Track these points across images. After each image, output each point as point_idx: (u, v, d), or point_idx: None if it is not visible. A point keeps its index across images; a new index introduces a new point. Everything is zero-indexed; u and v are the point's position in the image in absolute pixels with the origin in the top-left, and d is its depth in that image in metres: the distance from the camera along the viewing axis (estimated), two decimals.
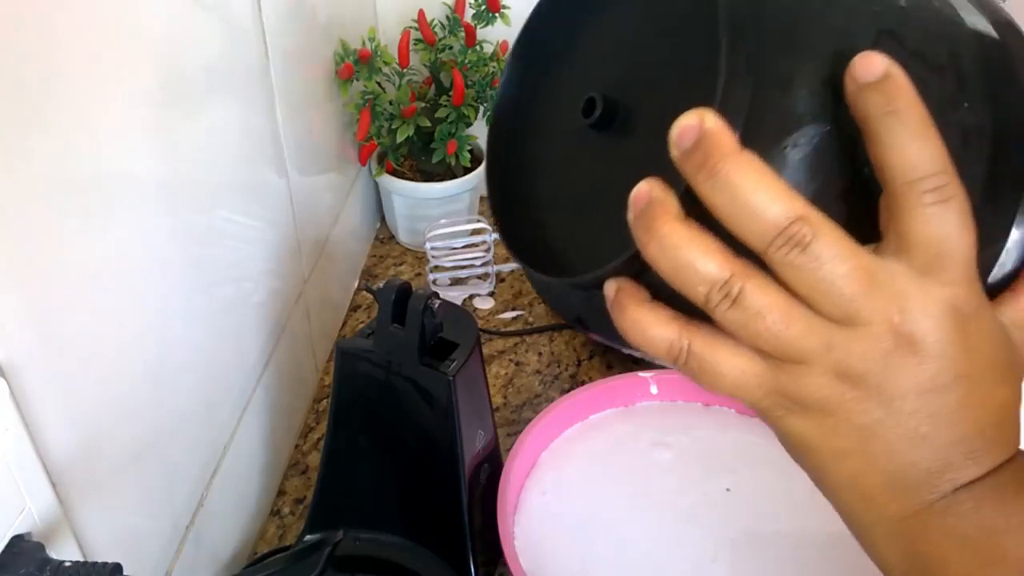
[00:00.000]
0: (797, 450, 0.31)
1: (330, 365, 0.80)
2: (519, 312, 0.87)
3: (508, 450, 0.58)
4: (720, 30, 0.28)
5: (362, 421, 0.57)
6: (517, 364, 0.81)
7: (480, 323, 0.85)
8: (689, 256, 0.27)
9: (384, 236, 0.99)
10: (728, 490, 0.58)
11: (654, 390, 0.65)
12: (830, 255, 0.26)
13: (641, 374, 0.65)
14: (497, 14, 0.89)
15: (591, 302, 0.33)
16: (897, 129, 0.26)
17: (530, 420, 0.61)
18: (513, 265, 0.92)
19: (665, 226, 0.27)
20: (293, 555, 0.50)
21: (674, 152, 0.27)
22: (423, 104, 0.88)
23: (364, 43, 0.82)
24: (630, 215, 0.28)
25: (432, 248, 0.85)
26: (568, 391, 0.65)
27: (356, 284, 0.91)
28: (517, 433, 0.59)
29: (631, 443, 0.62)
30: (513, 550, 0.52)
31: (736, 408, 0.64)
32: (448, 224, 0.86)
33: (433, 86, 0.91)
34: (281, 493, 0.68)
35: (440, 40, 0.90)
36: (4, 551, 0.34)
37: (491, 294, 0.89)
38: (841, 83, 0.27)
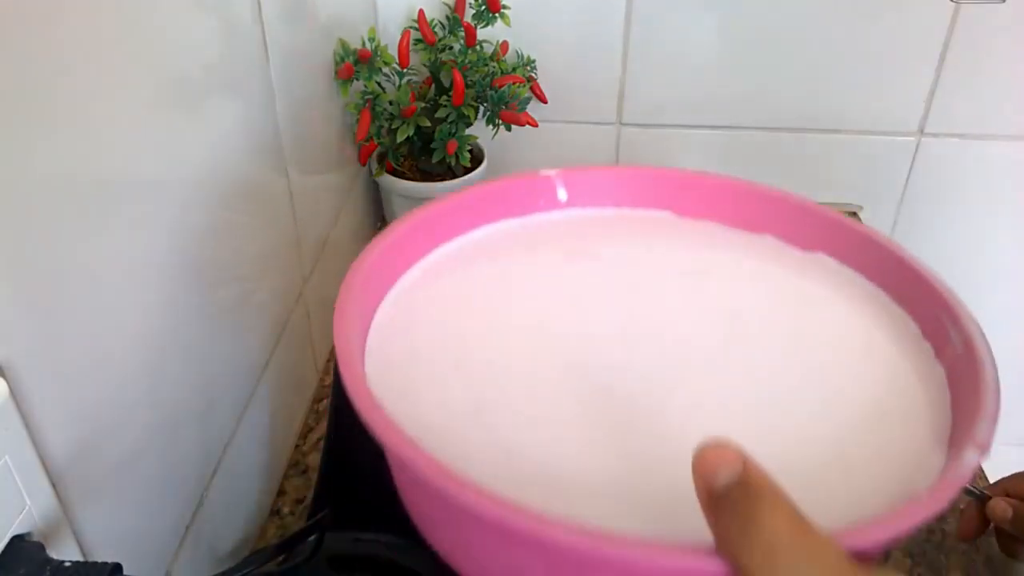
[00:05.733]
0: None
1: (330, 365, 0.80)
2: None
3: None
4: None
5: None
6: None
7: None
8: None
9: None
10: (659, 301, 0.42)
11: (563, 196, 0.49)
12: None
13: (544, 172, 0.48)
14: (497, 14, 0.89)
15: None
16: None
17: None
18: None
19: None
20: (278, 547, 0.49)
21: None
22: (423, 104, 0.88)
23: (364, 43, 0.82)
24: None
25: None
26: None
27: None
28: None
29: (532, 260, 0.46)
30: (383, 417, 0.32)
31: (686, 213, 0.48)
32: None
33: (433, 86, 0.91)
34: (281, 493, 0.68)
35: (440, 40, 0.90)
36: (4, 551, 0.34)
37: None
38: None
